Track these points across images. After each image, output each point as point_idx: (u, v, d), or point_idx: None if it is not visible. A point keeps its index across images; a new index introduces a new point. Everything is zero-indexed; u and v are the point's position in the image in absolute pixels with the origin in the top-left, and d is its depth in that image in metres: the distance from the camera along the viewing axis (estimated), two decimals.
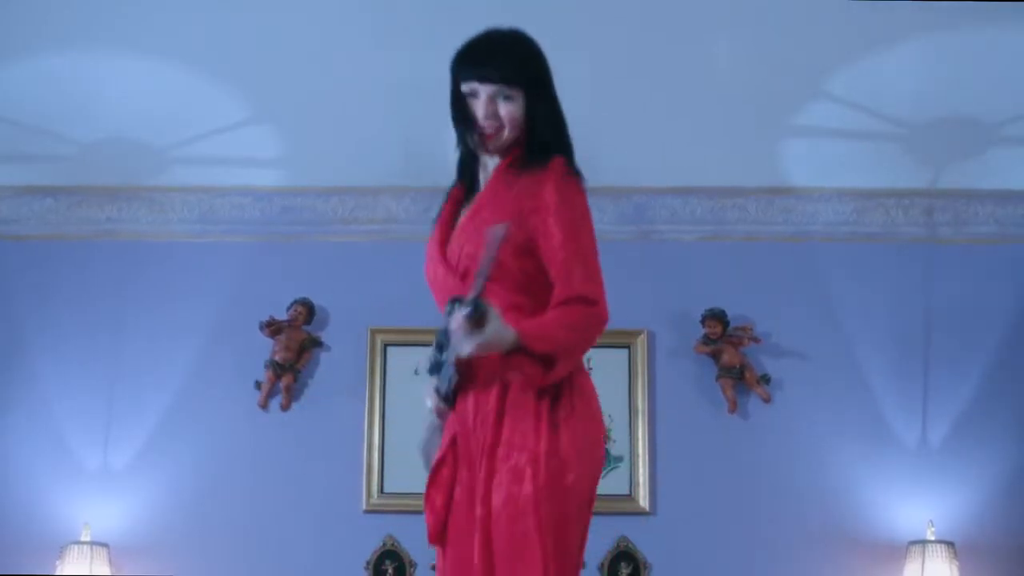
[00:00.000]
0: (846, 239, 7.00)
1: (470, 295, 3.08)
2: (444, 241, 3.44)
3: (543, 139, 3.40)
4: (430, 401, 3.39)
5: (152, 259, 6.99)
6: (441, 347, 3.27)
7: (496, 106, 3.36)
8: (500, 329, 3.11)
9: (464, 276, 3.31)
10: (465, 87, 3.38)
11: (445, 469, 3.36)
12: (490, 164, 3.47)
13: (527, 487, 3.15)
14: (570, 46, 6.05)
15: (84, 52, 6.22)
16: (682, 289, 6.88)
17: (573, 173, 3.35)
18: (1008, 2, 5.83)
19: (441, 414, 3.40)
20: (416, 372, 6.70)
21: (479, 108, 3.37)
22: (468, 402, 3.31)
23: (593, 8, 5.91)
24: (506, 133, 3.38)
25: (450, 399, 3.35)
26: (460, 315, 3.08)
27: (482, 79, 3.35)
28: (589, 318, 3.24)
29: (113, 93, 6.44)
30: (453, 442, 3.35)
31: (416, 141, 6.45)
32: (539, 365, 3.17)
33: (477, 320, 3.07)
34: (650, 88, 6.33)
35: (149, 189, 7.02)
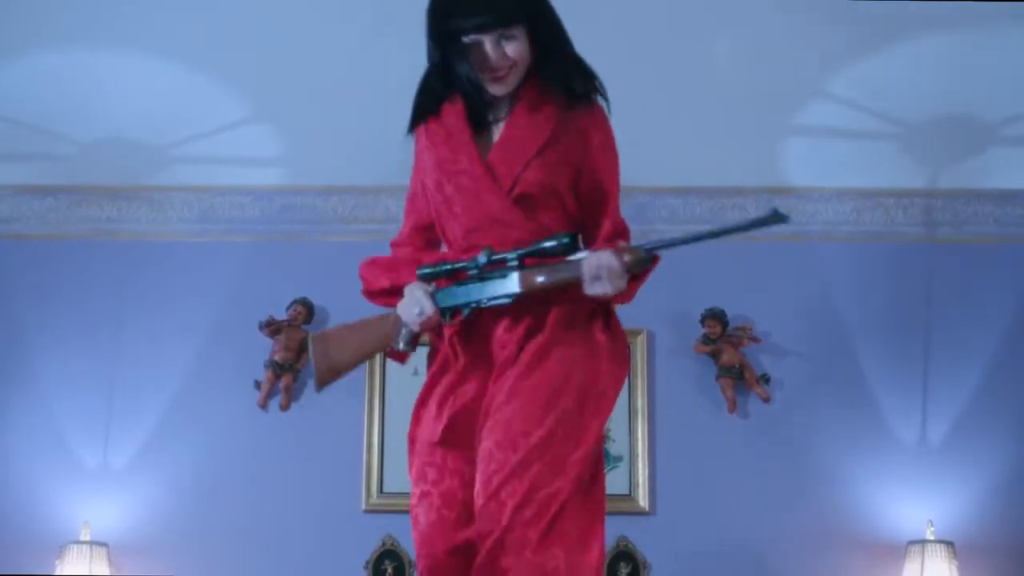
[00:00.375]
0: (846, 239, 7.00)
1: (641, 246, 3.35)
2: (476, 158, 3.40)
3: (555, 65, 3.43)
4: (428, 309, 3.35)
5: (152, 259, 6.99)
6: (494, 264, 3.28)
7: (503, 49, 3.33)
8: (624, 282, 3.36)
9: (526, 208, 3.34)
10: (467, 39, 3.33)
11: (445, 379, 3.39)
12: (504, 100, 3.44)
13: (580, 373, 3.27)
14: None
15: (84, 52, 6.23)
16: (682, 289, 6.87)
17: (603, 105, 3.48)
18: (1008, 2, 5.83)
19: (426, 328, 3.39)
20: (416, 372, 6.69)
21: (488, 55, 3.33)
22: (489, 321, 3.34)
23: (592, 7, 5.91)
24: (520, 68, 3.37)
25: (449, 317, 3.35)
26: (621, 258, 3.29)
27: (480, 29, 3.31)
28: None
29: (113, 93, 6.44)
30: (446, 360, 3.39)
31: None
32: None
33: (641, 268, 3.37)
34: (650, 87, 6.33)
35: (149, 189, 7.02)
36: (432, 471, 3.32)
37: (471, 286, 3.32)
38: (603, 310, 3.42)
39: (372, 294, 3.60)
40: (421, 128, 3.58)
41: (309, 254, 6.99)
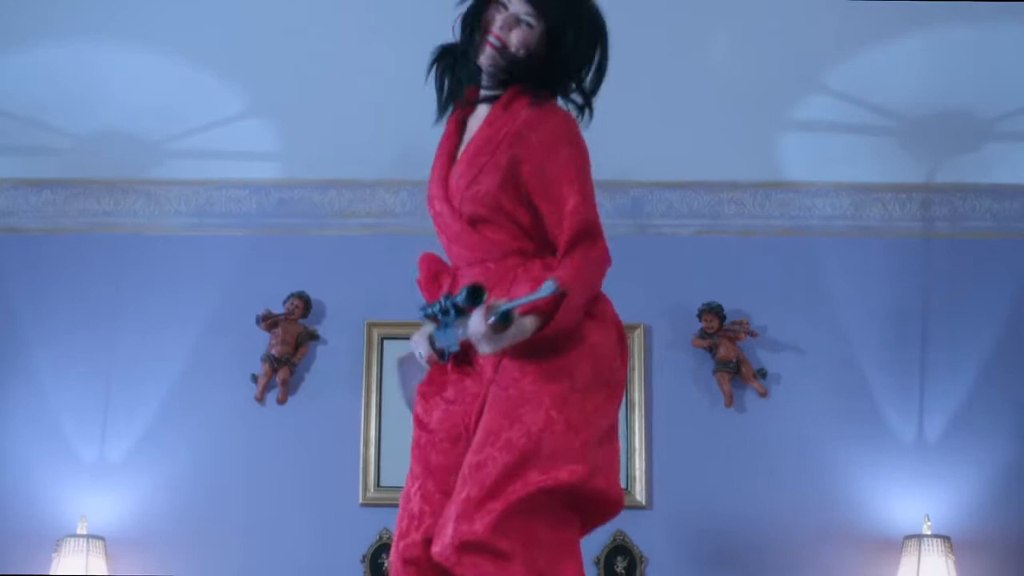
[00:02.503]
0: (843, 233, 7.00)
1: (501, 305, 3.08)
2: (445, 177, 3.41)
3: (545, 79, 3.36)
4: (423, 351, 3.39)
5: (149, 252, 6.99)
6: (446, 313, 3.26)
7: (513, 25, 3.32)
8: (522, 327, 3.12)
9: (475, 227, 3.31)
10: None
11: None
12: (489, 97, 3.42)
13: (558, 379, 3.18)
14: None
15: (81, 45, 6.23)
16: (679, 283, 6.89)
17: (568, 114, 3.35)
18: (1004, 1, 5.83)
19: (431, 364, 3.41)
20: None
21: (498, 20, 3.33)
22: (477, 359, 3.31)
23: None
24: (509, 53, 3.34)
25: (444, 358, 3.36)
26: (484, 322, 3.09)
27: None
28: (594, 261, 3.23)
29: (110, 86, 6.44)
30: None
31: (412, 134, 6.39)
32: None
33: (502, 327, 3.09)
34: (647, 82, 6.33)
35: (146, 182, 7.02)
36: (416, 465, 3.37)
37: (440, 331, 3.33)
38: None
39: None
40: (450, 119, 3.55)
41: (306, 248, 6.99)
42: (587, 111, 3.44)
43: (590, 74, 3.44)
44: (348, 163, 6.87)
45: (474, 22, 3.40)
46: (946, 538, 6.37)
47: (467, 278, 3.30)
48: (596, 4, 3.44)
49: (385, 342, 6.81)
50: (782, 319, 6.88)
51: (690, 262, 6.94)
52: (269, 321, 6.79)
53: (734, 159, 6.85)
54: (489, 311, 3.08)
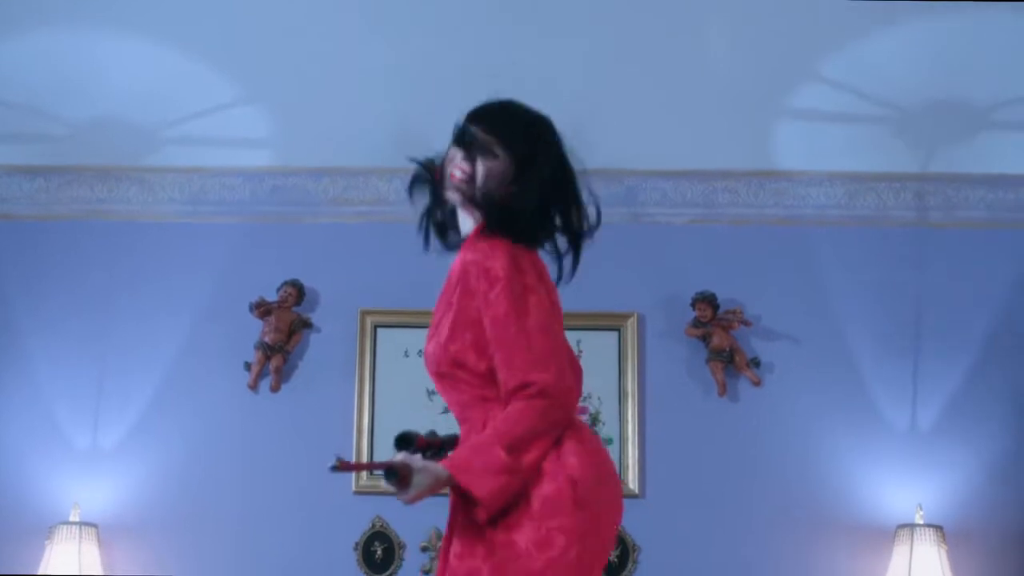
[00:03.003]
0: (837, 223, 6.99)
1: (389, 462, 3.08)
2: None
3: (505, 213, 3.28)
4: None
5: (142, 239, 6.98)
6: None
7: (463, 158, 3.32)
8: (429, 476, 3.07)
9: (439, 377, 3.29)
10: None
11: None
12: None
13: None
14: (563, 29, 6.06)
15: (75, 32, 6.22)
16: (672, 272, 6.88)
17: (509, 244, 3.23)
18: None
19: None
20: (406, 354, 6.71)
21: (451, 153, 3.34)
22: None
23: None
24: (464, 194, 3.32)
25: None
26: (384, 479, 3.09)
27: (454, 132, 3.33)
28: (532, 414, 3.09)
29: (104, 73, 6.43)
30: None
31: (407, 121, 6.44)
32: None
33: (400, 481, 3.07)
34: (642, 71, 6.33)
35: (139, 169, 7.01)
36: None
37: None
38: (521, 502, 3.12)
39: None
40: None
41: (300, 236, 6.98)
42: (574, 254, 3.36)
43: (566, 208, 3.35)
44: (342, 150, 6.86)
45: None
46: (939, 527, 6.38)
47: (463, 429, 3.31)
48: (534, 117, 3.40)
49: (379, 330, 6.81)
50: (776, 308, 6.88)
51: (684, 251, 6.94)
52: (262, 309, 6.79)
53: (728, 148, 6.84)
54: (388, 474, 3.08)
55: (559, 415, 3.11)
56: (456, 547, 3.18)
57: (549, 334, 3.15)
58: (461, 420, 3.32)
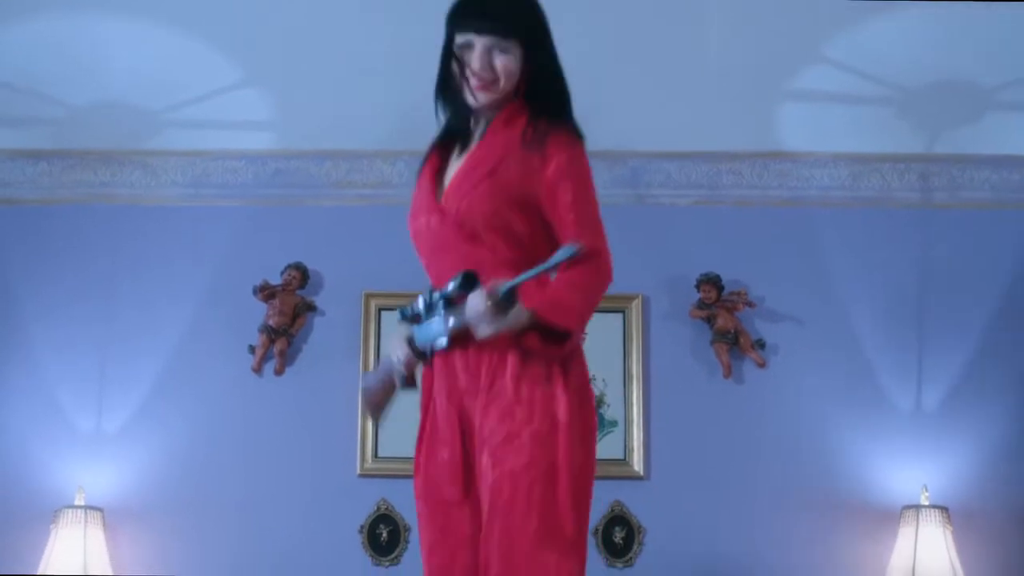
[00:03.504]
0: (841, 204, 6.98)
1: (503, 284, 3.12)
2: (434, 191, 3.44)
3: (541, 93, 3.40)
4: (400, 354, 3.42)
5: (145, 223, 6.97)
6: (431, 308, 3.28)
7: (491, 58, 3.35)
8: (519, 313, 3.16)
9: (470, 235, 3.32)
10: (460, 39, 3.37)
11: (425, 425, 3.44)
12: (483, 119, 3.45)
13: (552, 453, 3.21)
14: (566, 9, 6.03)
15: (78, 15, 6.20)
16: (677, 253, 6.87)
17: (577, 133, 3.36)
18: None
19: (409, 368, 3.43)
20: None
21: (474, 59, 3.35)
22: (455, 360, 3.33)
23: None
24: (501, 85, 3.37)
25: (427, 358, 3.38)
26: (485, 300, 3.13)
27: (478, 31, 3.34)
28: (595, 274, 3.26)
29: (107, 56, 6.41)
30: (430, 397, 3.42)
31: (410, 104, 6.37)
32: (552, 335, 3.22)
33: (504, 307, 3.12)
34: (646, 52, 6.31)
35: (142, 153, 7.00)
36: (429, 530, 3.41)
37: (424, 327, 3.36)
38: (561, 365, 3.32)
39: None
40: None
41: (303, 218, 6.97)
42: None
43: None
44: (345, 133, 6.85)
45: (447, 72, 3.45)
46: (944, 509, 6.37)
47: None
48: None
49: (383, 313, 6.80)
50: (780, 290, 6.87)
51: (688, 232, 6.93)
52: (266, 292, 6.78)
53: (732, 129, 6.83)
54: (491, 291, 3.12)
55: (605, 287, 3.33)
56: (493, 412, 3.25)
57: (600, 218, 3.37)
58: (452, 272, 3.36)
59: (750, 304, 6.76)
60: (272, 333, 6.74)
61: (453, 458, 3.34)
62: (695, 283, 6.78)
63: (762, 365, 6.76)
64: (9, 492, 6.60)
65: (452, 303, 3.24)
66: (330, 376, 6.73)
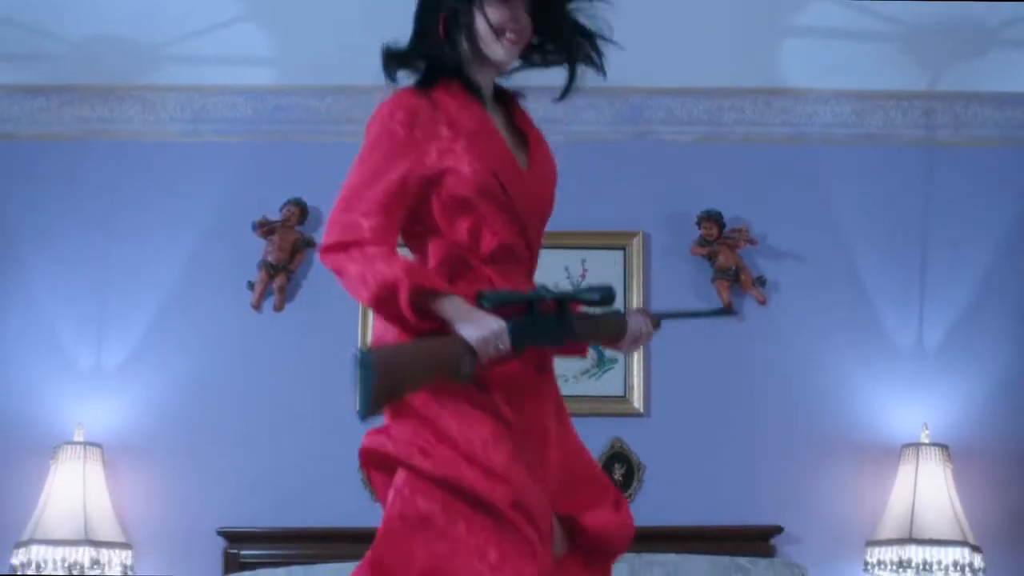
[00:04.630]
0: (844, 141, 6.95)
1: (653, 311, 3.31)
2: (512, 153, 3.30)
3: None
4: (506, 346, 3.09)
5: (144, 159, 6.95)
6: (545, 304, 3.15)
7: (524, 12, 3.24)
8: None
9: (542, 224, 3.36)
10: None
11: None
12: (483, 82, 3.36)
13: None
14: None
15: None
16: (678, 190, 6.85)
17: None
18: None
19: (493, 364, 3.13)
20: None
21: (519, 15, 3.23)
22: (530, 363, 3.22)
23: None
24: (521, 47, 3.30)
25: (519, 352, 3.13)
26: (651, 325, 3.27)
27: None
28: None
29: None
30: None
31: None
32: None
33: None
34: None
35: (141, 88, 6.96)
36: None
37: (547, 325, 3.14)
38: None
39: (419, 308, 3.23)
40: (426, 109, 3.39)
41: (303, 154, 6.94)
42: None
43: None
44: (345, 68, 6.78)
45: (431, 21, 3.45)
46: (944, 447, 6.38)
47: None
48: None
49: None
50: (782, 227, 6.85)
51: (689, 169, 6.90)
52: (265, 228, 6.76)
53: (734, 65, 6.79)
54: (653, 317, 3.29)
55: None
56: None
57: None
58: (529, 273, 3.33)
59: (751, 241, 6.74)
60: (271, 269, 6.73)
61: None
62: (696, 220, 6.75)
63: (763, 302, 6.75)
64: (9, 428, 6.61)
65: (569, 309, 3.15)
66: (330, 312, 6.71)
